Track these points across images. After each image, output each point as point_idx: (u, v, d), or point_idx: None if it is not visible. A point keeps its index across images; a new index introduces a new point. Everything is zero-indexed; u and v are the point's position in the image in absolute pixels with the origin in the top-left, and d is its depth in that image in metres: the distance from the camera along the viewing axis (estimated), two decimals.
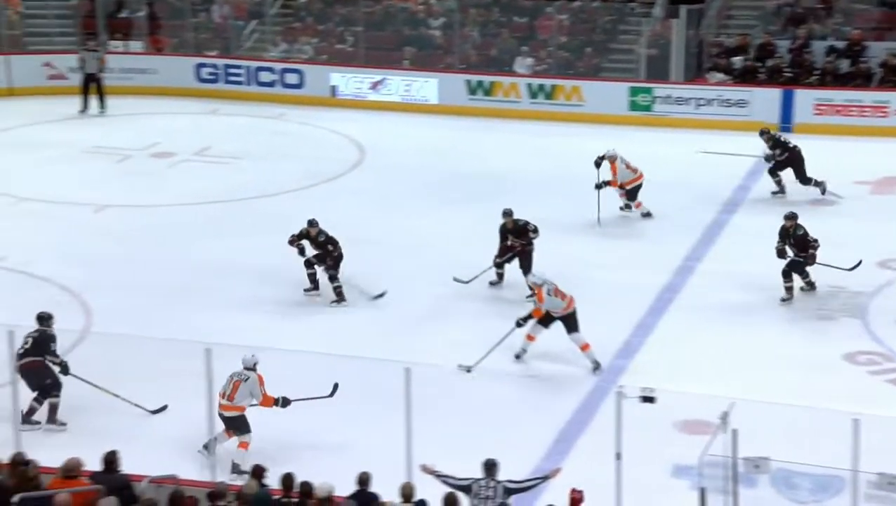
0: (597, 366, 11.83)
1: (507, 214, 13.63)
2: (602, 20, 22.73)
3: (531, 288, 12.09)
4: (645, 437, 8.96)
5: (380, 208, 16.78)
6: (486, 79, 21.99)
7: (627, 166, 15.78)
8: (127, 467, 8.72)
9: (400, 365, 8.67)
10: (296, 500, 8.30)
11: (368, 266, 14.26)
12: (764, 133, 16.81)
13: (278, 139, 20.61)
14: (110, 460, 8.64)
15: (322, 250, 13.34)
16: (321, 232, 13.35)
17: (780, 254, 13.46)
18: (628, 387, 8.47)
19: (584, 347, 11.85)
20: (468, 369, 11.76)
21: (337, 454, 10.03)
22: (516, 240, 13.55)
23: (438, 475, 8.67)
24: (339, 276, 13.38)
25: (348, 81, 22.55)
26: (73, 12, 24.06)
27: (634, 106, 21.10)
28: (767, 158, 16.72)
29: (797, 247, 13.43)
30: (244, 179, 18.15)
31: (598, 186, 15.54)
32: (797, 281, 13.51)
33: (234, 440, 10.08)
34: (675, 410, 10.03)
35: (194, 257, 14.76)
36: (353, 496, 8.35)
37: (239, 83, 23.01)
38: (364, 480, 8.45)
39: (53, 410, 10.73)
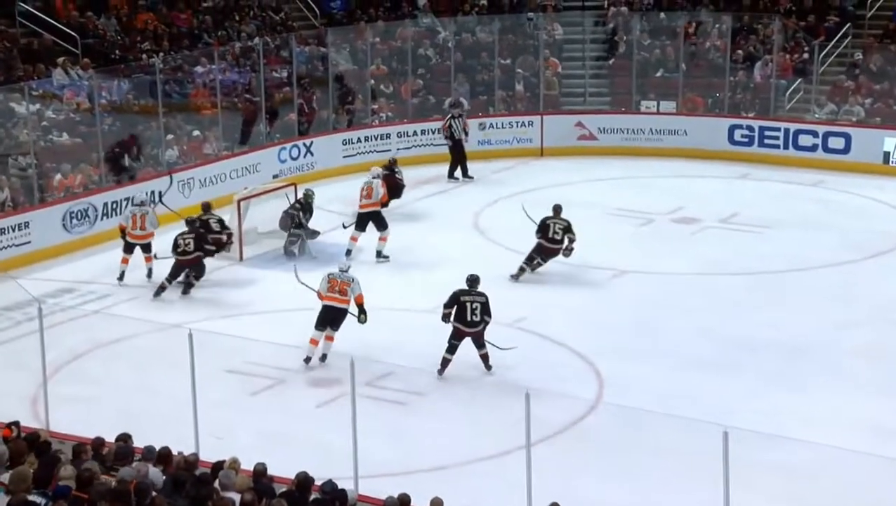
0: (323, 358, 13.83)
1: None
2: None
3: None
4: None
5: None
6: None
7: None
8: None
9: None
10: None
11: None
12: None
13: (815, 208, 20.12)
14: None
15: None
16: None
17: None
18: None
19: (328, 338, 13.88)
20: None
21: None
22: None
23: None
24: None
25: None
26: (607, 72, 25.35)
27: None
28: None
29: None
30: (773, 249, 17.91)
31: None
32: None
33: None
34: None
35: (712, 329, 14.79)
36: None
37: (775, 147, 22.84)
38: None
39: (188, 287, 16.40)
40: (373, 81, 24.05)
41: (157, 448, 9.71)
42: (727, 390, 13.06)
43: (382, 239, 17.70)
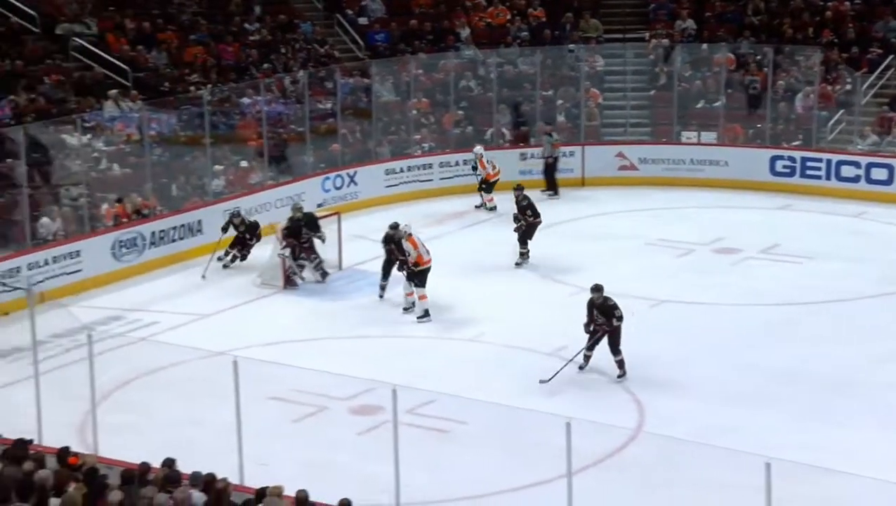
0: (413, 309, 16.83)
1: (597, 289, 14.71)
2: None
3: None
4: None
5: None
6: None
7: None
8: None
9: None
10: None
11: None
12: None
13: (856, 239, 20.00)
14: None
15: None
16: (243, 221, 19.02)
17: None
18: None
19: (421, 298, 16.68)
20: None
21: None
22: (601, 317, 14.48)
23: None
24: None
25: None
26: (648, 103, 25.37)
27: None
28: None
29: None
30: (813, 280, 17.82)
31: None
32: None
33: None
34: None
35: (754, 361, 14.74)
36: None
37: (817, 178, 22.74)
38: None
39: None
40: (415, 112, 24.22)
41: (203, 474, 9.85)
42: (766, 422, 12.99)
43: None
